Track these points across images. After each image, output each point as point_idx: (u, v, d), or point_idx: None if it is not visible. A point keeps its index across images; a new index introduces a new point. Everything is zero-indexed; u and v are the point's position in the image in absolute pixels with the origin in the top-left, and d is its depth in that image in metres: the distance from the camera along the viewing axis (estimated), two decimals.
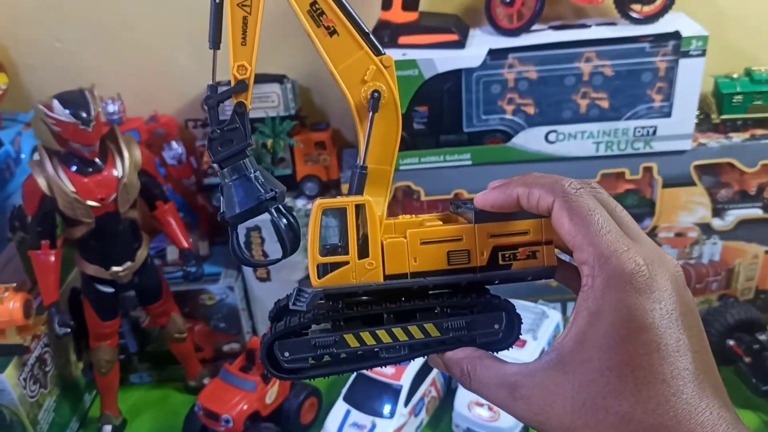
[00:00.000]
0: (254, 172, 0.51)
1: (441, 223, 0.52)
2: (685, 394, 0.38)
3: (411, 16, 1.17)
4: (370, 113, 0.50)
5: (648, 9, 1.15)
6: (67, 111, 1.02)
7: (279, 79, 1.27)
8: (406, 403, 1.16)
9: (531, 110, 1.19)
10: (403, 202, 1.28)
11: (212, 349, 1.39)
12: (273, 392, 1.20)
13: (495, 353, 0.49)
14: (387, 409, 1.15)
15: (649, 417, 0.38)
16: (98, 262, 1.14)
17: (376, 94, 0.49)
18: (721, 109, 1.24)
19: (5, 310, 1.06)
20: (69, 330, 1.13)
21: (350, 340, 0.50)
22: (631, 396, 0.39)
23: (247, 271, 1.32)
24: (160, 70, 1.36)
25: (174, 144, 1.32)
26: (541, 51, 1.14)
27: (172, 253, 1.36)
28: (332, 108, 1.41)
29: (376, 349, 0.51)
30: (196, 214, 1.41)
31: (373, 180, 0.51)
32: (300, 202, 1.30)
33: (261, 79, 1.27)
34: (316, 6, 0.48)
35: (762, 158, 1.21)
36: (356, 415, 1.16)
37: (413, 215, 0.54)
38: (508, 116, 1.19)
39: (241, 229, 1.27)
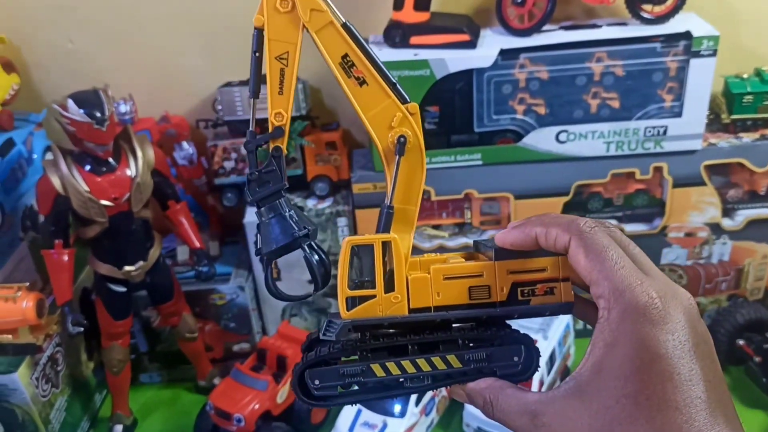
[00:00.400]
0: (289, 211, 0.55)
1: (464, 260, 0.55)
2: (697, 422, 0.40)
3: (422, 17, 1.18)
4: (397, 157, 0.53)
5: (659, 9, 1.15)
6: (82, 111, 1.02)
7: None
8: (417, 403, 1.16)
9: (542, 110, 1.19)
10: None
11: (222, 348, 1.39)
12: (284, 392, 1.20)
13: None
14: (398, 408, 1.15)
15: None
16: (111, 262, 1.14)
17: (402, 139, 0.53)
18: (731, 109, 1.25)
19: (18, 310, 1.06)
20: (82, 329, 1.13)
21: (376, 369, 0.53)
22: (646, 423, 0.40)
23: (258, 270, 1.32)
24: (172, 70, 1.36)
25: (185, 144, 1.32)
26: (552, 51, 1.15)
27: (182, 253, 1.36)
28: (343, 108, 1.41)
29: (400, 379, 0.54)
30: (207, 214, 1.41)
31: (399, 219, 0.55)
32: (311, 202, 1.30)
33: None
34: (347, 59, 0.52)
35: None
36: (367, 415, 1.16)
37: (437, 254, 0.57)
38: (519, 116, 1.20)
39: (252, 228, 1.27)
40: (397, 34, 1.17)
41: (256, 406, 1.16)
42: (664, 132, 1.19)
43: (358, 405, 1.17)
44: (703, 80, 1.15)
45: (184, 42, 1.34)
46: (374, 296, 0.53)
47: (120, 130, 1.11)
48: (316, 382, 0.54)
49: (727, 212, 1.28)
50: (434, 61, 1.14)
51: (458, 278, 0.53)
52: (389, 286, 0.53)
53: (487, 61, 1.15)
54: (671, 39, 1.13)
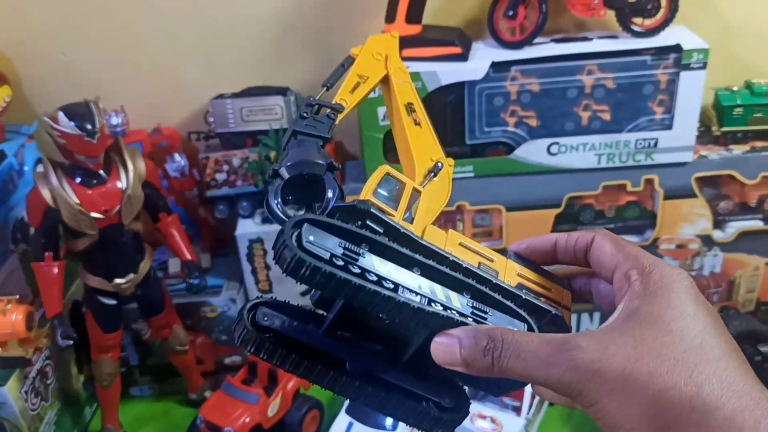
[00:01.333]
0: (321, 149, 0.53)
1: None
2: (740, 368, 0.40)
3: (414, 29, 1.18)
4: (431, 175, 0.55)
5: (649, 22, 1.16)
6: (72, 123, 1.02)
7: (282, 91, 1.27)
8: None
9: (533, 122, 1.19)
10: None
11: (214, 361, 1.38)
12: (275, 405, 1.20)
13: None
14: (389, 421, 1.15)
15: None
16: (101, 274, 1.14)
17: (439, 166, 0.56)
18: (721, 121, 1.25)
19: (8, 322, 1.05)
20: (72, 342, 1.12)
21: (376, 262, 0.44)
22: (675, 346, 0.40)
23: (249, 283, 1.32)
24: (164, 82, 1.36)
25: (177, 156, 1.32)
26: (544, 64, 1.15)
27: (173, 266, 1.36)
28: None
29: (395, 285, 0.44)
30: (198, 226, 1.41)
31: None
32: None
33: (264, 91, 1.28)
34: (411, 106, 0.60)
35: (762, 170, 1.22)
36: (359, 428, 1.15)
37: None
38: (511, 128, 1.20)
39: (244, 241, 1.27)
40: None
41: (247, 420, 1.16)
42: (655, 144, 1.19)
43: (349, 418, 1.17)
44: (693, 93, 1.15)
45: (177, 54, 1.34)
46: (393, 216, 0.47)
47: (111, 142, 1.11)
48: (311, 237, 0.42)
49: (718, 224, 1.28)
50: (426, 73, 1.14)
51: (472, 250, 0.51)
52: (408, 219, 0.50)
53: (478, 73, 1.15)
54: (661, 52, 1.13)
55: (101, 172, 1.09)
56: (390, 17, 1.17)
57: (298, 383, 1.24)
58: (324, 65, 1.35)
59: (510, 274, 0.51)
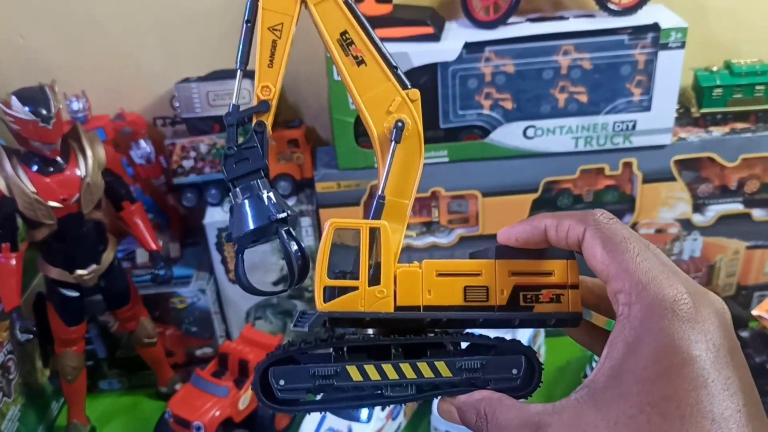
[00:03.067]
0: (267, 192, 0.50)
1: None
2: None
3: (385, 9, 1.14)
4: (393, 143, 0.49)
5: (626, 0, 1.12)
6: (27, 108, 0.98)
7: (250, 74, 1.23)
8: (384, 407, 1.12)
9: (509, 105, 1.16)
10: None
11: (184, 353, 1.35)
12: (246, 398, 1.16)
13: None
14: (364, 413, 1.12)
15: None
16: (62, 266, 1.10)
17: (400, 124, 0.49)
18: (700, 102, 1.23)
19: None
20: (31, 336, 1.08)
21: (353, 372, 0.46)
22: None
23: (219, 273, 1.28)
24: (127, 66, 1.31)
25: (142, 143, 1.28)
26: (519, 44, 1.12)
27: (141, 256, 1.32)
28: (306, 105, 1.38)
29: (380, 386, 0.47)
30: (167, 214, 1.37)
31: (389, 213, 0.50)
32: None
33: (231, 74, 1.23)
34: (347, 36, 0.49)
35: (742, 152, 1.20)
36: (332, 420, 1.12)
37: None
38: (486, 111, 1.17)
39: (212, 229, 1.23)
40: None
41: (217, 413, 1.13)
42: (633, 126, 1.16)
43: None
44: (671, 73, 1.12)
45: (140, 37, 1.30)
46: (356, 288, 0.47)
47: (68, 128, 1.06)
48: (281, 382, 0.46)
49: (697, 208, 1.26)
50: (397, 54, 1.08)
51: (453, 275, 0.47)
52: (374, 279, 0.47)
53: (451, 54, 1.12)
54: (639, 31, 1.10)
55: (59, 159, 1.04)
56: None
57: None
58: (292, 48, 1.31)
59: (502, 279, 0.47)
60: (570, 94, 1.15)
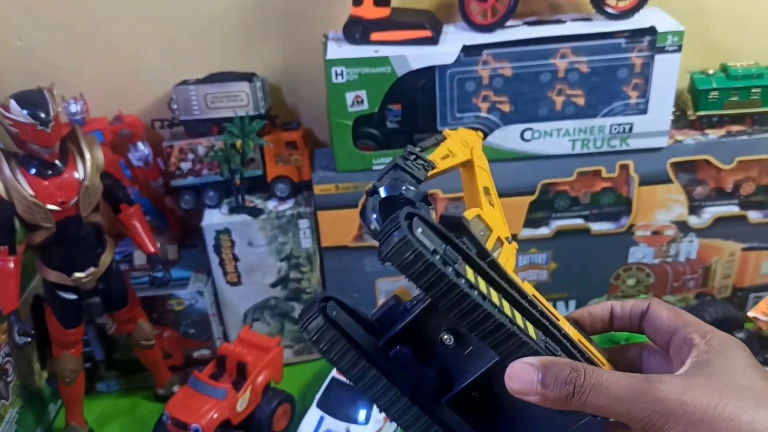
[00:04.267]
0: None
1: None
2: None
3: (383, 12, 1.15)
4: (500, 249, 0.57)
5: (623, 4, 1.13)
6: (25, 111, 0.98)
7: (248, 77, 1.23)
8: None
9: (506, 108, 1.16)
10: None
11: (182, 355, 1.35)
12: (244, 399, 1.17)
13: None
14: (362, 414, 1.13)
15: None
16: (60, 268, 1.10)
17: (508, 241, 0.58)
18: (697, 105, 1.23)
19: None
20: (29, 339, 1.08)
21: (469, 272, 0.43)
22: None
23: (217, 275, 1.28)
24: (125, 68, 1.31)
25: (140, 145, 1.28)
26: (516, 47, 1.12)
27: (139, 258, 1.31)
28: (304, 107, 1.38)
29: (484, 303, 0.42)
30: (165, 216, 1.37)
31: None
32: (271, 204, 1.27)
33: (229, 77, 1.24)
34: (488, 190, 0.64)
35: (738, 155, 1.20)
36: (330, 422, 1.13)
37: None
38: (483, 114, 1.17)
39: (210, 232, 1.23)
40: (357, 31, 1.14)
41: (215, 416, 1.13)
42: (630, 129, 1.17)
43: (321, 412, 1.15)
44: (668, 76, 1.13)
45: (139, 39, 1.30)
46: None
47: (67, 131, 1.06)
48: (420, 230, 0.43)
49: (693, 210, 1.26)
50: (395, 57, 1.11)
51: (542, 303, 0.50)
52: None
53: (449, 57, 1.12)
54: (636, 34, 1.11)
55: (57, 162, 1.04)
56: (357, 0, 1.13)
57: (269, 377, 1.21)
58: (290, 50, 1.32)
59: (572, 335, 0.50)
60: (567, 97, 1.16)
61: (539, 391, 0.41)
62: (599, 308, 0.52)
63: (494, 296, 0.44)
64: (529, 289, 0.49)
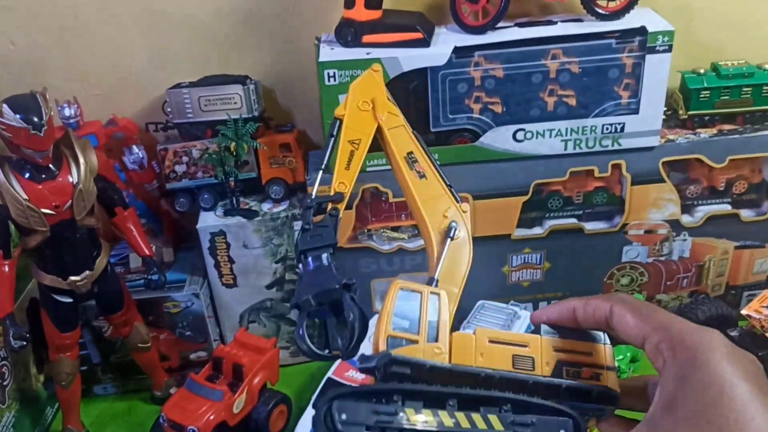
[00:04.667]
0: (333, 263, 0.56)
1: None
2: None
3: (374, 14, 1.15)
4: (448, 240, 0.57)
5: (614, 4, 1.14)
6: (18, 116, 0.98)
7: (241, 80, 1.24)
8: None
9: (498, 109, 1.17)
10: (371, 204, 1.26)
11: (178, 357, 1.35)
12: (241, 401, 1.17)
13: None
14: None
15: None
16: (55, 272, 1.10)
17: (454, 224, 0.57)
18: (688, 104, 1.24)
19: None
20: (25, 343, 1.08)
21: (410, 415, 0.48)
22: None
23: (213, 277, 1.29)
24: (119, 71, 1.32)
25: (134, 148, 1.28)
26: (508, 48, 1.12)
27: (135, 261, 1.32)
28: (298, 109, 1.38)
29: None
30: (160, 219, 1.37)
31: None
32: (265, 206, 1.27)
33: (222, 80, 1.25)
34: (412, 155, 0.61)
35: (730, 154, 1.21)
36: None
37: None
38: (476, 115, 1.18)
39: (205, 234, 1.24)
40: (348, 33, 1.14)
41: (211, 417, 1.13)
42: (622, 129, 1.17)
43: None
44: (659, 76, 1.13)
45: (132, 42, 1.30)
46: (416, 342, 0.51)
47: (60, 135, 1.07)
48: (343, 416, 0.48)
49: (686, 209, 1.27)
50: (387, 60, 1.11)
51: (503, 344, 0.52)
52: (432, 337, 0.51)
53: (441, 59, 1.12)
54: (626, 35, 1.11)
55: (51, 166, 1.05)
56: (349, 3, 1.14)
57: (265, 378, 1.21)
58: (283, 53, 1.32)
59: (546, 353, 0.52)
60: (559, 98, 1.16)
61: None
62: (560, 311, 0.51)
63: (446, 420, 0.48)
64: (482, 342, 0.51)
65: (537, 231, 1.27)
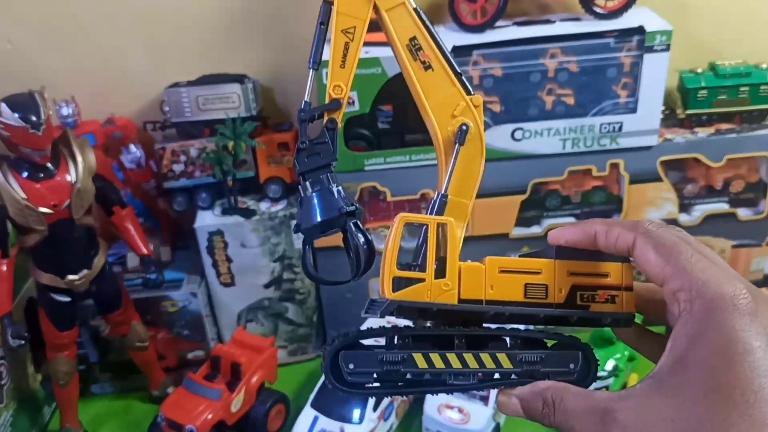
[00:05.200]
0: (336, 186, 0.52)
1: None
2: None
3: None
4: (456, 146, 0.52)
5: (612, 4, 1.14)
6: (16, 115, 0.98)
7: (239, 78, 1.24)
8: (375, 408, 1.13)
9: (496, 108, 1.17)
10: (369, 204, 1.26)
11: (176, 357, 1.35)
12: (239, 400, 1.17)
13: None
14: (356, 414, 1.13)
15: None
16: (53, 271, 1.10)
17: (464, 128, 0.51)
18: (686, 104, 1.24)
19: None
20: (23, 342, 1.09)
21: (419, 360, 0.49)
22: (739, 418, 0.36)
23: (211, 276, 1.29)
24: (117, 71, 1.32)
25: (132, 147, 1.28)
26: (506, 47, 1.13)
27: (132, 260, 1.32)
28: (295, 108, 1.38)
29: (443, 374, 0.50)
30: (157, 218, 1.37)
31: (451, 211, 0.52)
32: (264, 205, 1.27)
33: (220, 79, 1.25)
34: (415, 42, 0.52)
35: (727, 153, 1.21)
36: (324, 422, 1.13)
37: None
38: None
39: (203, 233, 1.24)
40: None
41: (209, 416, 1.13)
42: (620, 128, 1.18)
43: (315, 412, 1.15)
44: (657, 75, 1.14)
45: (129, 42, 1.30)
46: (423, 280, 0.49)
47: (58, 134, 1.06)
48: (351, 366, 0.49)
49: (684, 208, 1.27)
50: (386, 58, 1.11)
51: (514, 272, 0.50)
52: (440, 273, 0.49)
53: None
54: (624, 34, 1.12)
55: (49, 165, 1.05)
56: None
57: (263, 377, 1.21)
58: (281, 52, 1.32)
59: (560, 278, 0.50)
60: (557, 97, 1.16)
61: (524, 417, 0.47)
62: (579, 235, 0.48)
63: (454, 360, 0.49)
64: (492, 271, 0.50)
65: (535, 230, 1.27)
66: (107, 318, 1.22)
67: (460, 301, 0.49)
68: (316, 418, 1.14)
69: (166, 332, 1.32)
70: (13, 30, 1.28)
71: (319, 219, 0.51)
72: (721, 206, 1.27)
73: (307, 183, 0.52)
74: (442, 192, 0.52)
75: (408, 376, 0.49)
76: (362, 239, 0.52)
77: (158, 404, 1.20)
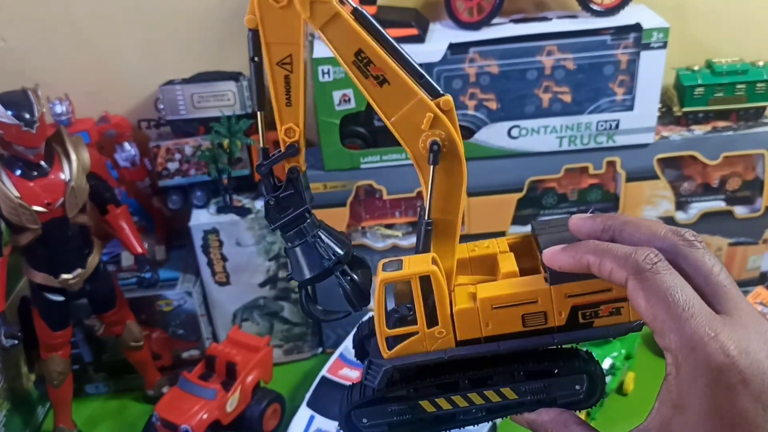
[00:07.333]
0: (314, 238, 0.51)
1: (515, 269, 0.50)
2: None
3: (369, 10, 1.13)
4: (431, 167, 0.46)
5: (609, 1, 1.13)
6: (9, 112, 0.97)
7: (235, 76, 1.23)
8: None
9: (493, 105, 1.17)
10: (365, 202, 1.25)
11: (171, 356, 1.34)
12: (234, 400, 1.16)
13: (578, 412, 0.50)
14: None
15: None
16: (47, 270, 1.09)
17: (435, 147, 0.45)
18: (682, 101, 1.24)
19: None
20: (16, 342, 1.08)
21: (426, 406, 0.50)
22: None
23: (206, 275, 1.28)
24: (111, 68, 1.31)
25: (126, 145, 1.27)
26: (502, 45, 1.12)
27: (127, 259, 1.31)
28: None
29: (453, 412, 0.51)
30: (152, 217, 1.36)
31: (439, 232, 0.49)
32: (259, 204, 1.26)
33: (215, 77, 1.24)
34: (362, 55, 0.44)
35: (724, 150, 1.21)
36: (320, 421, 1.13)
37: (484, 244, 0.53)
38: (471, 112, 1.17)
39: (198, 232, 1.23)
40: None
41: (205, 416, 1.12)
42: (616, 126, 1.17)
43: (311, 411, 1.15)
44: (653, 73, 1.13)
45: (124, 39, 1.29)
46: (416, 333, 0.47)
47: (52, 132, 1.06)
48: (364, 420, 0.51)
49: (680, 205, 1.27)
50: None
51: (509, 306, 0.47)
52: (432, 321, 0.47)
53: (436, 55, 1.12)
54: (621, 31, 1.11)
55: (42, 163, 1.04)
56: None
57: (258, 377, 1.21)
58: None
59: (558, 302, 0.47)
60: (554, 94, 1.16)
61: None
62: (572, 263, 0.45)
63: (460, 401, 0.50)
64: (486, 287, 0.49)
65: None
66: (101, 317, 1.21)
67: (457, 343, 0.48)
68: (312, 418, 1.14)
69: (161, 332, 1.31)
70: (6, 28, 1.27)
71: (308, 276, 0.51)
72: (718, 204, 1.27)
73: (288, 235, 0.51)
74: (426, 219, 0.48)
75: (420, 419, 0.51)
76: (349, 285, 0.52)
77: (153, 404, 1.20)
